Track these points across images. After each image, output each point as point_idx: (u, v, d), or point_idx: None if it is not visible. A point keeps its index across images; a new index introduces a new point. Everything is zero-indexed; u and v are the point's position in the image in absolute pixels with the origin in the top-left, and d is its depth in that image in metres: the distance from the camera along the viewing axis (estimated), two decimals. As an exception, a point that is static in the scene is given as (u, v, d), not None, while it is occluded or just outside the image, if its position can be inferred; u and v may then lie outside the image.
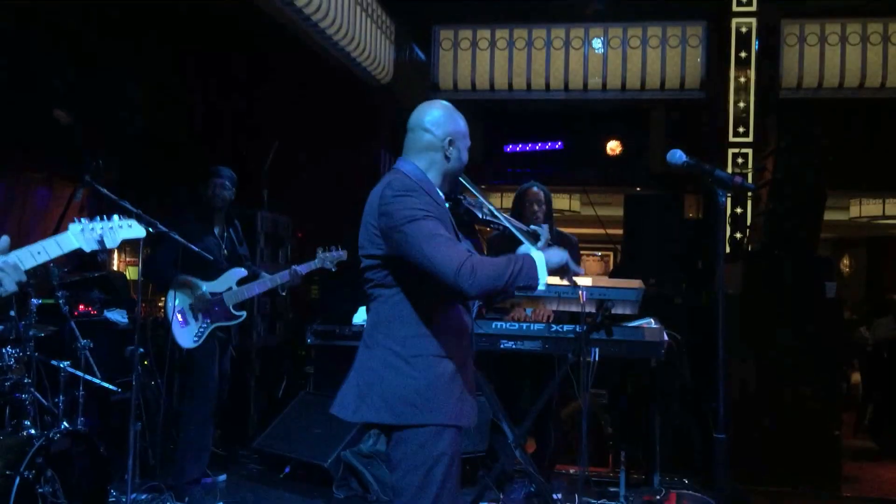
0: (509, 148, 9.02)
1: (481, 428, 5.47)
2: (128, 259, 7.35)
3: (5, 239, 2.08)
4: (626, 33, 8.13)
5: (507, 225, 2.90)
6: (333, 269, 5.09)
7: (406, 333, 2.63)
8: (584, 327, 4.23)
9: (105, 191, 4.10)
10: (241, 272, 4.89)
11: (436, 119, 2.76)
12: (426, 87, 8.10)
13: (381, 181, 2.72)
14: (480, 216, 2.93)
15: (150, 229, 4.20)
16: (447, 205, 2.78)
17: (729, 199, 7.87)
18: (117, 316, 5.38)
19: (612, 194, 10.13)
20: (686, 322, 5.74)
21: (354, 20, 6.62)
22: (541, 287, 2.57)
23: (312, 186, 7.94)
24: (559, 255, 2.67)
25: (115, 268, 7.02)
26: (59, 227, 6.27)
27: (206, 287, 4.74)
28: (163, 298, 4.83)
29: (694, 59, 8.05)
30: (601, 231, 9.41)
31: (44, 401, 4.09)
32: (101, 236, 2.31)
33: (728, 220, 7.97)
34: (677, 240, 6.70)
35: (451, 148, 2.75)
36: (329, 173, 7.84)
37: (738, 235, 7.82)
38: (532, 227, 3.04)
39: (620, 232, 7.39)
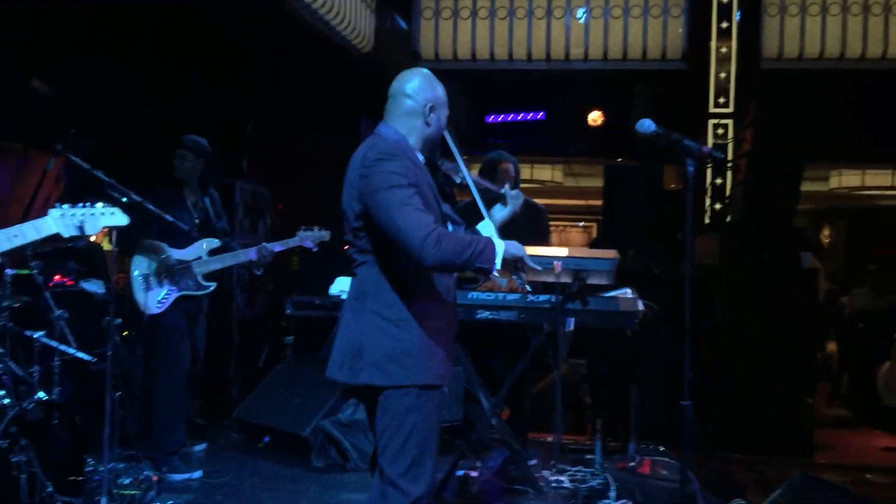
0: (491, 118, 8.98)
1: (457, 397, 5.51)
2: (104, 230, 7.30)
3: None
4: (608, 2, 8.08)
5: (476, 197, 2.92)
6: (315, 250, 4.99)
7: (393, 297, 2.69)
8: (560, 297, 4.25)
9: (77, 160, 4.06)
10: (214, 242, 4.88)
11: (417, 86, 2.83)
12: (407, 57, 8.04)
13: (363, 144, 2.78)
14: (458, 181, 2.98)
15: (124, 199, 4.20)
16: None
17: (709, 170, 7.90)
18: (94, 286, 5.35)
19: (595, 165, 10.14)
20: (666, 292, 5.78)
21: (333, -13, 6.55)
22: (494, 271, 2.62)
23: (292, 157, 7.92)
24: (518, 247, 2.73)
25: (91, 239, 6.98)
26: (35, 198, 6.26)
27: (176, 255, 4.73)
28: (135, 267, 4.83)
29: (675, 29, 8.02)
30: (583, 202, 9.45)
31: (18, 371, 4.07)
32: (82, 222, 2.30)
33: (708, 190, 8.01)
34: (657, 211, 6.72)
35: (431, 114, 2.82)
36: (309, 144, 7.80)
37: (718, 206, 7.86)
38: (505, 190, 3.07)
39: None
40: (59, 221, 2.24)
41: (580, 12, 8.13)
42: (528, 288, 2.86)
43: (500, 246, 2.66)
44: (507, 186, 3.11)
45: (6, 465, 3.41)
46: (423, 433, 2.69)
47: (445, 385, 2.79)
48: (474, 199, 3.00)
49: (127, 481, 4.38)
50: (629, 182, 6.89)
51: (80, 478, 3.94)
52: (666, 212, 6.81)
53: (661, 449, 5.45)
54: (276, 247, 4.92)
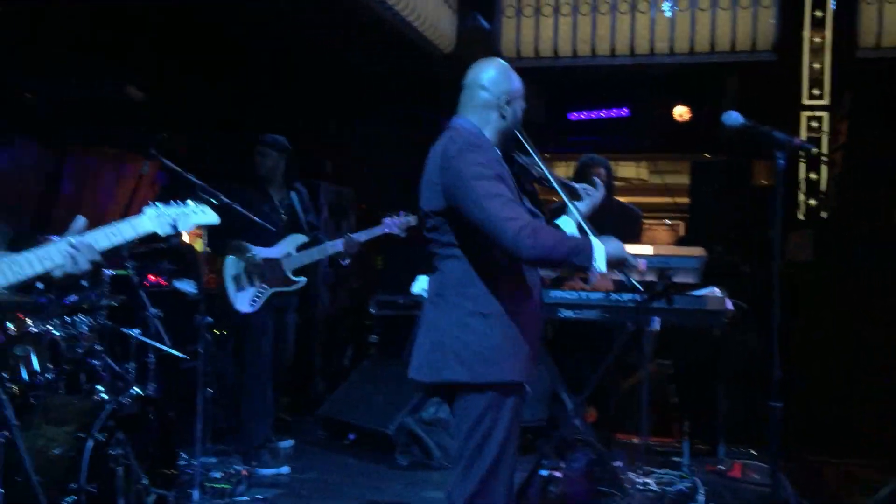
0: (573, 115, 8.87)
1: (541, 397, 5.47)
2: (197, 231, 7.53)
3: (82, 220, 2.16)
4: (696, -6, 7.88)
5: (559, 190, 2.88)
6: (403, 235, 4.97)
7: (478, 291, 2.62)
8: (644, 296, 4.17)
9: (169, 163, 4.21)
10: (301, 238, 4.97)
11: (493, 77, 2.75)
12: (489, 56, 8.02)
13: (441, 138, 2.72)
14: (535, 175, 2.91)
15: (214, 201, 4.32)
16: None
17: (802, 165, 7.61)
18: (187, 286, 5.53)
19: (681, 161, 9.91)
20: (756, 291, 5.61)
21: (415, -11, 6.59)
22: (595, 274, 2.53)
23: (376, 157, 7.99)
24: (619, 247, 2.63)
25: (184, 239, 7.22)
26: (132, 201, 6.51)
27: (265, 253, 4.84)
28: (227, 267, 4.96)
29: (766, 20, 7.75)
30: (669, 199, 9.24)
31: (116, 367, 4.24)
32: (175, 220, 2.36)
33: (802, 185, 7.72)
34: (746, 207, 6.53)
35: (507, 107, 2.75)
36: (392, 144, 7.87)
37: (812, 202, 7.57)
38: (582, 185, 3.01)
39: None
40: (154, 220, 2.32)
41: (666, 5, 7.95)
42: (640, 287, 2.76)
43: (600, 246, 2.57)
44: (584, 185, 3.03)
45: (104, 457, 3.54)
46: (503, 432, 2.63)
47: (528, 384, 2.72)
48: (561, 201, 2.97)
49: (218, 475, 4.52)
50: (716, 178, 6.72)
51: (174, 471, 4.07)
52: (755, 208, 6.61)
53: (753, 453, 5.29)
54: (362, 236, 4.95)
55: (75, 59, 5.87)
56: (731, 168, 6.75)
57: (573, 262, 2.52)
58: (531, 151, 2.89)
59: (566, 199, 2.88)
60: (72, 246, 2.07)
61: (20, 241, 4.08)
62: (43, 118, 5.56)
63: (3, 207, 5.40)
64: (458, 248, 2.65)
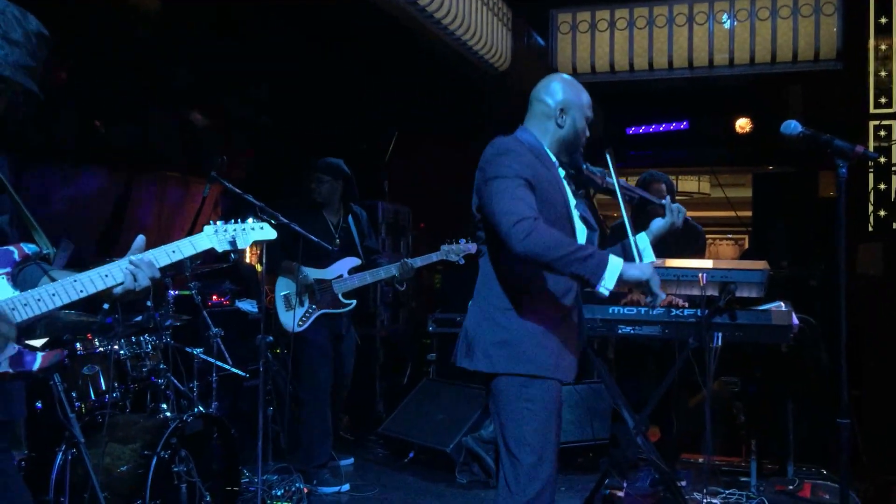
0: (631, 130, 8.78)
1: (603, 415, 5.40)
2: (258, 252, 7.68)
3: (142, 238, 2.21)
4: (755, 5, 7.74)
5: (621, 204, 2.88)
6: (461, 262, 5.01)
7: (504, 287, 2.74)
8: (706, 311, 4.08)
9: (230, 185, 4.29)
10: (354, 261, 5.00)
11: (551, 89, 2.88)
12: (545, 73, 8.00)
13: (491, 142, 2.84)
14: (601, 185, 2.96)
15: (272, 221, 4.39)
16: (562, 172, 2.86)
17: (871, 175, 7.39)
18: (247, 306, 5.62)
19: (743, 174, 9.72)
20: (825, 305, 5.45)
21: (470, 10, 6.62)
22: (602, 293, 2.50)
23: (433, 176, 8.03)
24: (642, 271, 2.55)
25: (246, 260, 7.35)
26: (196, 222, 6.66)
27: (317, 274, 4.89)
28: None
29: (829, 28, 7.57)
30: (732, 213, 9.06)
31: (179, 385, 4.32)
32: (234, 237, 2.39)
33: (871, 196, 7.48)
34: (812, 219, 6.36)
35: (562, 116, 2.84)
36: (449, 162, 7.90)
37: (882, 213, 7.32)
38: (665, 202, 3.00)
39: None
40: (213, 237, 2.36)
41: (725, 17, 7.84)
42: (657, 305, 2.75)
43: (618, 265, 2.49)
44: (668, 198, 3.02)
45: (168, 474, 3.62)
46: (533, 425, 2.67)
47: (560, 380, 2.75)
48: (639, 199, 3.00)
49: (279, 493, 4.56)
50: (781, 190, 6.55)
51: (236, 488, 4.13)
52: (822, 220, 6.43)
53: (824, 472, 5.12)
54: (418, 262, 4.98)
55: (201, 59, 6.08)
56: (796, 180, 6.58)
57: (573, 270, 2.48)
58: (609, 166, 2.95)
59: (625, 219, 2.88)
60: (132, 263, 2.12)
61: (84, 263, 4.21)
62: (111, 145, 5.73)
63: (74, 231, 5.58)
64: (490, 246, 2.79)
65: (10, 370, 1.99)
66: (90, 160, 5.75)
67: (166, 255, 2.26)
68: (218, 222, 2.41)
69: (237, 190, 4.25)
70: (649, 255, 2.94)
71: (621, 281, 2.49)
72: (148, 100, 5.84)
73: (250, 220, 2.48)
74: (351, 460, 5.55)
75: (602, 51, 7.99)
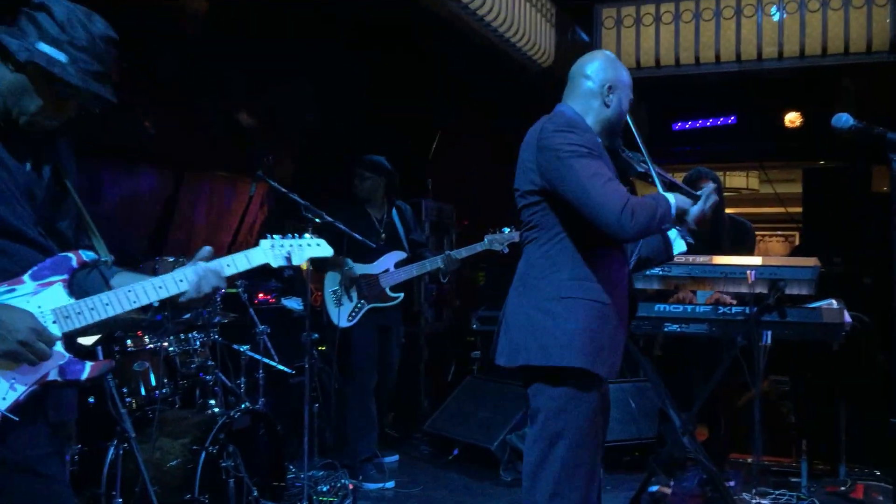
0: (678, 126, 8.65)
1: (650, 414, 5.35)
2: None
3: (209, 249, 2.21)
4: (805, -4, 7.59)
5: (658, 187, 2.80)
6: (505, 251, 4.99)
7: (561, 276, 2.60)
8: (755, 309, 4.01)
9: (275, 184, 4.34)
10: (400, 255, 5.04)
11: (596, 67, 2.77)
12: (589, 69, 7.93)
13: (539, 121, 2.72)
14: (639, 170, 2.87)
15: (317, 219, 4.43)
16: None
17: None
18: (293, 303, 5.68)
19: (793, 170, 9.53)
20: (879, 303, 5.32)
21: (514, 6, 6.60)
22: (668, 227, 2.65)
23: (476, 173, 8.02)
24: (682, 199, 2.66)
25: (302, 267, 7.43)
26: (243, 221, 6.75)
27: (364, 269, 4.93)
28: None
29: (882, 19, 7.38)
30: (782, 209, 8.89)
31: (227, 382, 4.39)
32: (290, 253, 2.36)
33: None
34: (865, 215, 6.21)
35: (609, 95, 2.73)
36: (492, 159, 7.88)
37: (939, 208, 7.13)
38: (702, 191, 2.93)
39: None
40: (268, 252, 2.33)
41: (773, 9, 7.69)
42: (690, 240, 2.76)
43: (671, 199, 2.62)
44: (706, 187, 2.98)
45: (216, 469, 3.67)
46: (578, 432, 2.58)
47: (608, 376, 2.66)
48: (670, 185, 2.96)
49: (325, 489, 4.60)
50: (832, 185, 6.41)
51: (282, 484, 4.17)
52: (876, 215, 6.27)
53: (878, 473, 5.00)
54: (462, 252, 4.99)
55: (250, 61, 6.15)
56: (847, 174, 6.43)
57: (663, 224, 2.59)
58: (640, 146, 2.86)
59: (661, 191, 2.80)
60: (195, 274, 2.13)
61: (134, 261, 4.30)
62: (161, 145, 5.83)
63: (124, 230, 5.69)
64: (543, 232, 2.64)
65: (59, 378, 2.01)
66: (140, 159, 5.85)
67: (221, 268, 2.25)
68: (275, 236, 2.38)
69: (283, 189, 4.29)
70: (680, 245, 2.88)
71: (680, 211, 2.62)
72: (196, 99, 5.92)
73: (307, 235, 2.44)
74: (396, 457, 5.58)
75: (647, 45, 7.90)
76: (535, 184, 2.63)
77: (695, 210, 2.71)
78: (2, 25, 2.06)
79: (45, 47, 2.01)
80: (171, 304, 2.15)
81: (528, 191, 2.66)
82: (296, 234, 2.41)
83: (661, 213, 2.53)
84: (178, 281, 2.12)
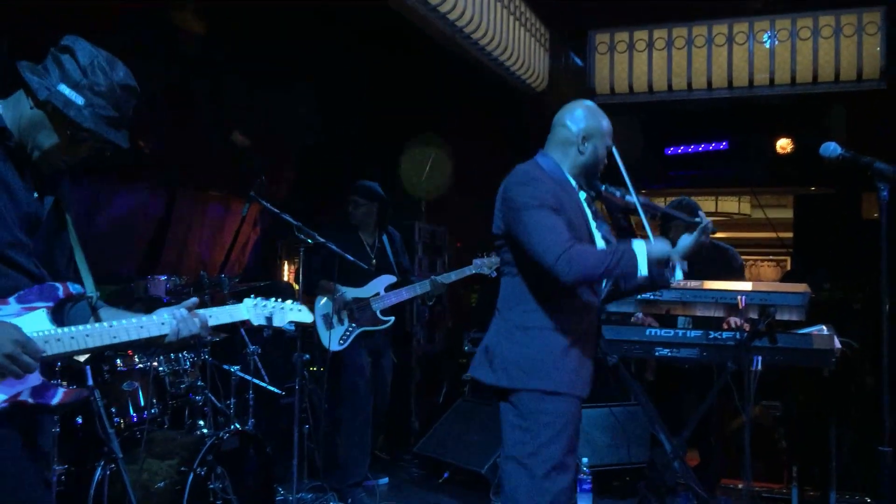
0: (670, 150, 8.72)
1: (640, 439, 5.34)
2: (294, 269, 7.74)
3: (195, 300, 2.29)
4: (796, 24, 7.67)
5: (643, 218, 2.91)
6: (493, 275, 5.06)
7: (525, 307, 2.84)
8: (745, 334, 4.02)
9: (268, 205, 4.34)
10: (390, 279, 5.05)
11: (575, 116, 2.97)
12: (582, 93, 8.00)
13: (514, 168, 2.96)
14: (618, 205, 3.00)
15: (309, 240, 4.44)
16: (583, 195, 2.96)
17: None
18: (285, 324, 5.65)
19: (784, 195, 9.60)
20: (868, 329, 5.33)
21: (507, 30, 6.65)
22: (640, 274, 2.69)
23: (470, 196, 8.04)
24: (662, 247, 2.77)
25: (284, 278, 7.41)
26: (235, 241, 6.75)
27: (355, 293, 4.93)
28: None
29: (872, 48, 7.47)
30: (773, 235, 8.93)
31: (217, 402, 4.36)
32: (271, 314, 2.47)
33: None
34: (855, 241, 6.25)
35: (585, 143, 2.94)
36: (486, 182, 7.91)
37: (929, 236, 7.17)
38: (700, 219, 2.96)
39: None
40: (251, 310, 2.44)
41: (765, 37, 7.77)
42: (684, 268, 2.81)
43: (642, 248, 2.71)
44: (701, 215, 3.00)
45: (204, 491, 3.64)
46: (548, 437, 2.76)
47: (579, 396, 2.85)
48: (661, 213, 3.04)
49: (313, 512, 4.56)
50: (823, 212, 6.45)
51: (271, 506, 4.14)
52: (866, 242, 6.30)
53: (867, 500, 4.99)
54: (452, 276, 5.05)
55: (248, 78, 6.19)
56: (838, 201, 6.48)
57: (617, 273, 2.73)
58: (626, 181, 2.99)
59: (647, 230, 2.93)
60: (177, 318, 2.19)
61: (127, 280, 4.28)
62: (154, 165, 5.83)
63: (116, 249, 5.68)
64: (513, 267, 2.90)
65: (30, 400, 2.03)
66: (133, 179, 5.85)
67: (205, 318, 2.32)
68: (259, 298, 2.48)
69: (275, 210, 4.30)
70: (677, 273, 2.92)
71: (652, 261, 2.71)
72: (190, 119, 5.94)
73: (290, 301, 2.54)
74: (386, 480, 5.55)
75: (640, 71, 7.96)
76: (500, 229, 2.91)
77: (688, 243, 2.85)
78: (30, 62, 2.15)
79: (64, 89, 2.10)
80: (147, 342, 2.20)
81: (496, 235, 2.94)
82: (280, 299, 2.52)
83: (613, 261, 2.67)
84: (160, 324, 2.19)
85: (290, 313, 2.53)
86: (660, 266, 2.78)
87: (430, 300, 5.13)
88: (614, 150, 3.00)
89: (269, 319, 2.46)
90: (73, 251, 2.28)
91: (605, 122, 2.98)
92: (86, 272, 2.27)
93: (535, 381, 2.78)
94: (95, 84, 2.12)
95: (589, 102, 3.04)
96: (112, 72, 2.16)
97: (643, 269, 2.69)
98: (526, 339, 2.81)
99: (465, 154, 7.79)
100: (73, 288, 2.19)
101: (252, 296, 2.48)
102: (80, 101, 2.10)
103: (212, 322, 2.31)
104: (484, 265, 5.08)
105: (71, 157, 2.19)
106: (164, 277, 4.43)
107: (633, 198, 2.95)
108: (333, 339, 4.88)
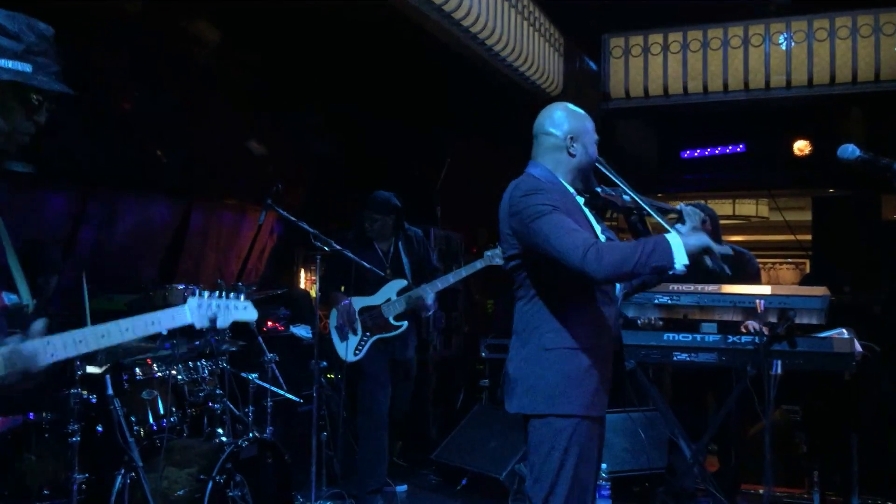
0: (686, 154, 8.67)
1: (660, 444, 5.30)
2: (312, 278, 7.76)
3: (43, 321, 2.02)
4: (812, 26, 7.63)
5: (653, 213, 2.82)
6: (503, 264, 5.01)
7: (545, 328, 2.76)
8: (765, 338, 3.99)
9: (284, 213, 4.36)
10: (401, 283, 5.01)
11: (556, 120, 2.90)
12: (597, 97, 7.99)
13: (510, 185, 2.87)
14: (622, 205, 2.90)
15: (326, 248, 4.45)
16: (581, 199, 2.88)
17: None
18: (302, 331, 5.68)
19: (802, 198, 9.53)
20: (889, 332, 5.29)
21: (521, 36, 6.65)
22: (678, 268, 2.53)
23: (485, 202, 8.04)
24: (698, 237, 2.60)
25: (301, 286, 7.44)
26: (252, 248, 6.78)
27: (366, 301, 4.92)
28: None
29: (889, 48, 7.41)
30: (791, 237, 8.86)
31: (235, 410, 4.37)
32: (215, 314, 2.29)
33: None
34: (874, 243, 6.19)
35: (574, 144, 2.87)
36: (502, 188, 7.90)
37: (950, 237, 7.10)
38: (680, 206, 2.89)
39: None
40: (194, 311, 2.25)
41: (781, 38, 7.73)
42: (728, 271, 2.68)
43: (677, 238, 2.55)
44: (681, 203, 2.94)
45: (223, 499, 3.65)
46: (569, 462, 2.71)
47: (591, 413, 2.77)
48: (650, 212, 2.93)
49: (332, 518, 4.56)
50: (842, 214, 6.40)
51: (290, 513, 4.15)
52: (886, 244, 6.26)
53: (890, 504, 4.94)
54: (462, 272, 5.00)
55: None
56: (857, 203, 6.42)
57: (652, 264, 2.52)
58: (616, 180, 2.91)
59: (658, 220, 2.82)
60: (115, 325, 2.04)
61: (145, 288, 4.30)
62: (172, 174, 5.88)
63: (135, 258, 5.72)
64: (529, 290, 2.80)
65: None
66: (151, 188, 5.90)
67: (144, 325, 2.11)
68: (204, 294, 2.28)
69: (291, 217, 4.32)
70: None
71: (689, 252, 2.53)
72: (207, 128, 5.98)
73: (233, 297, 2.33)
74: (404, 487, 5.54)
75: (655, 74, 7.94)
76: (514, 247, 2.80)
77: (686, 229, 2.70)
78: None
79: (8, 63, 1.97)
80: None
81: (510, 256, 2.84)
82: (224, 295, 2.31)
83: (644, 252, 2.52)
84: (100, 336, 2.03)
85: (234, 312, 2.32)
86: (702, 255, 2.60)
87: (428, 311, 5.05)
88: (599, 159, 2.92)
89: (214, 321, 2.26)
90: (7, 257, 2.07)
91: (588, 121, 2.92)
92: (22, 279, 2.08)
93: (560, 406, 2.72)
94: (33, 45, 1.99)
95: (564, 103, 2.98)
96: (37, 28, 2.02)
97: (680, 262, 2.52)
98: (549, 363, 2.73)
99: (482, 160, 7.80)
100: (7, 298, 2.02)
101: (197, 293, 2.28)
102: (28, 68, 1.98)
103: (153, 328, 2.12)
104: (496, 256, 4.97)
105: (30, 126, 2.03)
106: (182, 286, 4.45)
107: (635, 197, 2.86)
108: (349, 349, 4.87)
